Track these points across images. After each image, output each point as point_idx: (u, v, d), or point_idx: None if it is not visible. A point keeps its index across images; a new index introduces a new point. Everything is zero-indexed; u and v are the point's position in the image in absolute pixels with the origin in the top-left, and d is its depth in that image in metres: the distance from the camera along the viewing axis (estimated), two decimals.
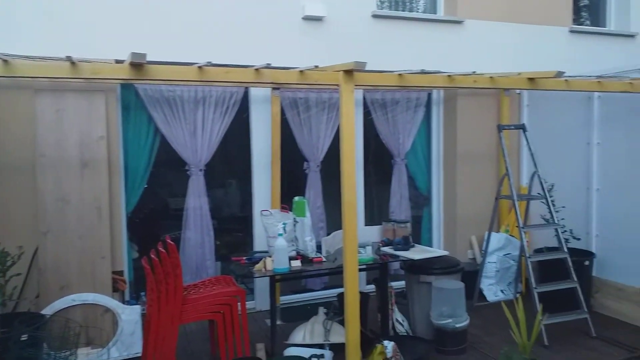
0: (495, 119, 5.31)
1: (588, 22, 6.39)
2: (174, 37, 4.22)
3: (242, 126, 4.77)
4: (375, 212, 5.85)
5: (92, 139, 3.97)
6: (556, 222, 4.33)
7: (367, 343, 3.53)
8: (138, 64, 2.64)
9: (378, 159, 5.77)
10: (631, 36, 5.89)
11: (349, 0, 4.79)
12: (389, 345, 3.16)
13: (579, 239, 4.73)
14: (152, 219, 5.15)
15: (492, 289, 5.05)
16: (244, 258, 3.89)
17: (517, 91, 5.34)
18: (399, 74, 3.28)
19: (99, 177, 3.99)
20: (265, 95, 4.67)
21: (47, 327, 3.38)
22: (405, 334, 4.14)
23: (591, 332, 4.08)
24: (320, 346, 3.74)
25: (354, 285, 3.02)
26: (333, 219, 4.79)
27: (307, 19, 4.64)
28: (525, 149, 4.82)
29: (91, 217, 3.96)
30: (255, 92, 4.68)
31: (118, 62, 3.98)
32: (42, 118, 3.86)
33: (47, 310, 3.72)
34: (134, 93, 4.37)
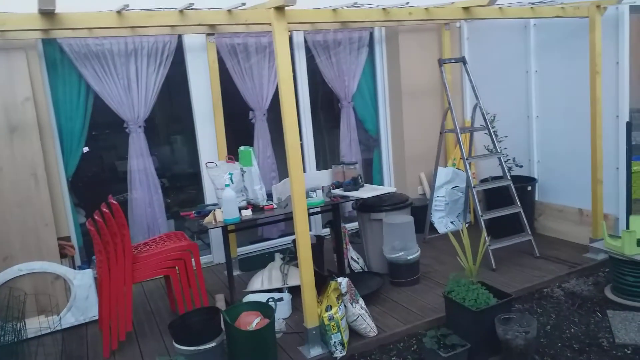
0: (438, 54, 5.31)
1: None
2: None
3: (180, 78, 4.59)
4: (328, 156, 5.86)
5: (17, 101, 3.72)
6: (499, 151, 4.44)
7: (324, 282, 3.60)
8: (49, 12, 2.44)
9: (326, 104, 5.73)
10: None
11: None
12: (343, 281, 3.22)
13: (521, 166, 4.90)
14: (97, 182, 4.99)
15: (443, 222, 5.21)
16: (193, 212, 3.83)
17: (457, 24, 5.33)
18: (333, 9, 3.18)
19: (30, 141, 3.78)
20: (201, 42, 4.48)
21: None
22: (361, 270, 4.25)
23: (535, 253, 4.30)
24: (279, 290, 3.80)
25: (304, 227, 3.03)
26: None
27: None
28: (468, 83, 4.87)
29: (28, 184, 3.77)
30: (189, 40, 4.47)
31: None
32: None
33: None
34: (59, 49, 4.09)
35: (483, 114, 4.39)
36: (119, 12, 2.64)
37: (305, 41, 5.00)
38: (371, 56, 5.43)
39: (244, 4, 2.94)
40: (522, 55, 4.77)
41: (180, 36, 4.42)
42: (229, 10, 2.93)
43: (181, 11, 2.81)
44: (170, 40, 4.39)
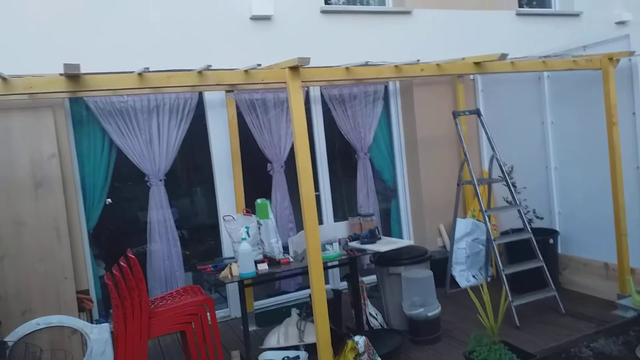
0: (452, 106, 5.36)
1: (535, 3, 6.52)
2: (115, 46, 4.13)
3: (201, 132, 4.71)
4: (345, 207, 5.86)
5: (44, 158, 3.87)
6: (518, 203, 4.38)
7: (341, 340, 3.51)
8: (74, 75, 2.57)
9: (343, 155, 5.77)
10: (576, 15, 6.03)
11: None
12: (360, 340, 3.15)
13: (542, 218, 4.80)
14: (117, 234, 5.05)
15: (464, 275, 5.09)
16: (210, 266, 3.83)
17: (471, 77, 5.41)
18: (346, 68, 3.27)
19: (54, 196, 3.89)
20: (220, 99, 4.63)
21: (10, 354, 3.28)
22: (380, 327, 4.14)
23: (560, 309, 4.13)
24: (296, 348, 3.71)
25: (320, 282, 3.00)
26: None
27: (255, 18, 4.62)
28: (483, 134, 4.87)
29: (50, 238, 3.86)
30: (210, 97, 4.63)
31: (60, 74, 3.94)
32: None
33: (11, 337, 3.60)
34: (85, 106, 4.27)
35: (500, 166, 4.37)
36: (140, 74, 2.76)
37: (322, 95, 5.12)
38: (386, 108, 5.51)
39: (259, 65, 3.04)
40: (537, 106, 4.78)
41: (200, 93, 4.58)
42: (246, 71, 3.04)
43: (200, 72, 2.93)
44: (192, 97, 4.54)
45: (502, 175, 4.42)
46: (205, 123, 4.69)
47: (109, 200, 4.52)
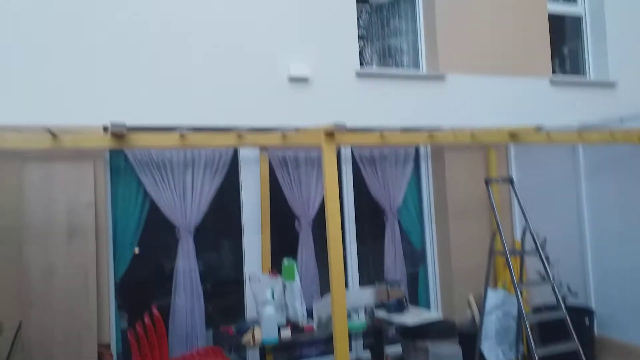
0: (484, 172, 5.32)
1: (567, 70, 6.56)
2: (159, 100, 4.28)
3: (232, 187, 4.77)
4: (372, 269, 5.75)
5: (80, 206, 3.95)
6: (552, 278, 4.23)
7: None
8: (119, 134, 2.67)
9: (370, 216, 5.74)
10: (611, 84, 6.01)
11: (333, 61, 4.91)
12: None
13: (576, 295, 4.61)
14: (143, 285, 5.04)
15: (494, 351, 4.86)
16: (233, 328, 3.77)
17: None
18: (381, 134, 3.31)
19: (86, 244, 3.94)
20: (254, 155, 4.71)
21: None
22: None
23: None
24: None
25: (344, 354, 2.91)
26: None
27: (293, 79, 4.75)
28: (516, 202, 4.79)
29: (78, 287, 3.87)
30: (244, 153, 4.72)
31: (105, 128, 4.09)
32: (30, 187, 3.85)
33: None
34: (123, 158, 4.40)
35: (534, 238, 4.25)
36: (182, 134, 2.85)
37: (352, 154, 5.16)
38: (417, 170, 5.50)
39: (297, 129, 3.10)
40: (572, 177, 4.70)
41: (235, 149, 4.67)
42: (283, 134, 3.11)
43: (239, 134, 3.00)
44: (227, 152, 4.64)
45: (535, 248, 4.29)
46: (238, 178, 4.76)
47: (137, 249, 4.56)
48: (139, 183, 4.45)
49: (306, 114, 4.73)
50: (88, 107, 4.04)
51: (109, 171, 4.37)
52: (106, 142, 2.66)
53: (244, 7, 4.60)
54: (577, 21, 6.36)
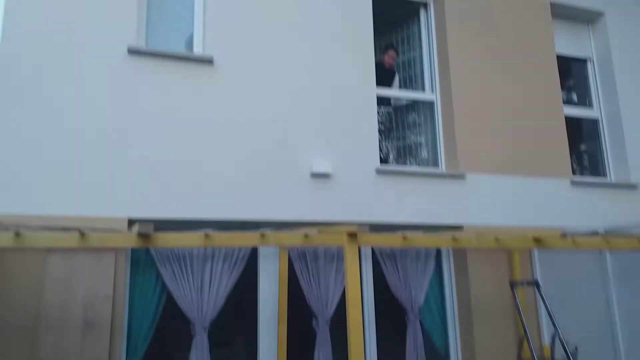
0: (508, 272, 5.19)
1: (587, 171, 6.58)
2: (184, 193, 4.38)
3: (249, 281, 4.72)
4: None
5: (98, 299, 3.93)
6: None
7: None
8: (146, 234, 2.71)
9: (391, 315, 5.55)
10: (633, 186, 5.99)
11: (354, 158, 5.03)
12: None
13: None
14: None
15: None
16: None
17: None
18: (403, 236, 3.30)
19: (101, 337, 3.87)
20: (274, 250, 4.70)
21: None
22: None
23: None
24: None
25: None
26: None
27: (315, 175, 4.84)
28: (542, 306, 4.62)
29: None
30: (263, 247, 4.71)
31: (130, 221, 4.17)
32: (50, 278, 3.87)
33: None
34: (145, 250, 4.43)
35: (564, 346, 4.06)
36: (206, 234, 2.88)
37: (372, 249, 5.11)
38: (439, 268, 5.39)
39: (319, 229, 3.12)
40: (600, 281, 4.57)
41: None
42: (306, 234, 3.12)
43: (262, 234, 3.03)
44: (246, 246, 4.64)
45: (566, 356, 4.08)
46: (256, 272, 4.72)
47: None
48: (158, 275, 4.43)
49: (327, 209, 4.78)
50: (114, 199, 4.15)
51: (130, 264, 4.39)
52: (132, 242, 2.70)
53: (269, 104, 4.83)
54: (594, 123, 6.50)
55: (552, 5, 6.22)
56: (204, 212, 4.37)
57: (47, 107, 4.17)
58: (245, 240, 2.99)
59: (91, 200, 4.10)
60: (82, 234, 2.65)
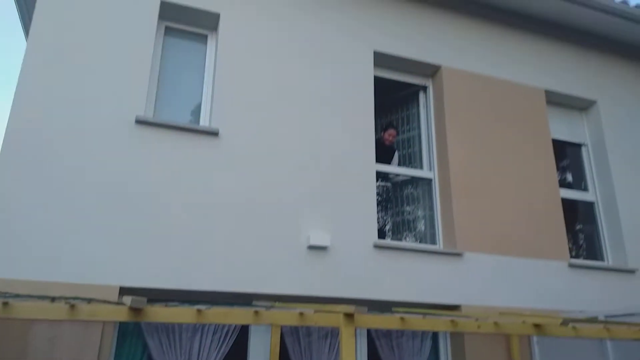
0: (507, 356, 5.03)
1: (584, 253, 6.55)
2: (179, 264, 4.31)
3: (239, 356, 4.54)
4: None
5: None
6: None
7: None
8: (138, 308, 2.64)
9: None
10: (631, 272, 5.95)
11: (352, 232, 5.01)
12: None
13: None
14: None
15: None
16: None
17: None
18: (401, 318, 3.23)
19: None
20: (266, 325, 4.56)
21: None
22: None
23: None
24: None
25: None
26: None
27: (312, 248, 4.80)
28: None
29: None
30: None
31: (122, 289, 4.07)
32: (33, 347, 3.72)
33: None
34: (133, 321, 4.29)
35: None
36: (199, 309, 2.81)
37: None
38: (435, 349, 5.23)
39: (316, 312, 3.05)
40: None
41: None
42: (301, 313, 3.05)
43: (256, 311, 2.95)
44: None
45: None
46: (246, 347, 4.56)
47: None
48: (145, 347, 4.28)
49: (323, 283, 4.71)
50: (107, 266, 4.08)
51: (117, 334, 4.25)
52: (123, 315, 2.63)
53: (270, 176, 4.87)
54: (591, 205, 6.55)
55: (547, 92, 6.46)
56: (197, 284, 4.29)
57: (52, 173, 4.20)
58: (239, 317, 2.91)
59: (83, 267, 4.03)
60: (72, 306, 2.58)
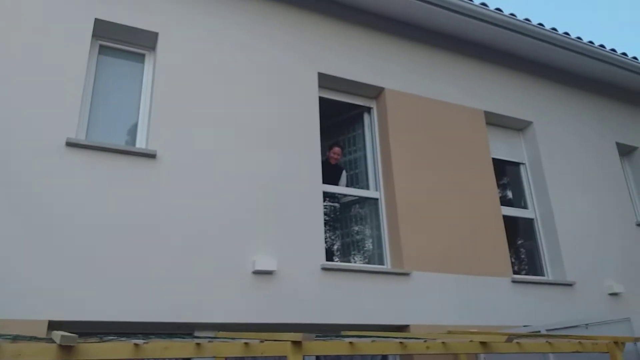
0: None
1: (526, 269, 6.77)
2: (113, 293, 4.05)
3: None
4: None
5: None
6: None
7: None
8: (69, 345, 2.43)
9: None
10: (569, 284, 6.20)
11: (299, 255, 4.92)
12: None
13: None
14: None
15: None
16: None
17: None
18: (350, 342, 3.16)
19: None
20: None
21: None
22: None
23: None
24: None
25: None
26: None
27: (258, 273, 4.66)
28: None
29: None
30: None
31: (51, 323, 3.78)
32: None
33: None
34: None
35: None
36: (136, 344, 2.63)
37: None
38: None
39: (262, 341, 2.94)
40: None
41: None
42: (246, 343, 2.92)
43: (198, 344, 2.80)
44: None
45: None
46: None
47: None
48: None
49: (270, 309, 4.58)
50: (34, 298, 3.78)
51: None
52: (51, 355, 2.41)
53: (212, 199, 4.71)
54: (530, 222, 6.80)
55: (486, 113, 6.71)
56: (134, 314, 4.05)
57: None
58: (179, 351, 2.74)
59: (7, 299, 3.71)
60: None
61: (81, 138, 4.49)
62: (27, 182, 4.06)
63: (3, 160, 4.05)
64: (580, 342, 3.93)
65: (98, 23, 4.84)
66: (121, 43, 5.12)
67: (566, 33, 6.97)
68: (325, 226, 5.46)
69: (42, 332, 3.68)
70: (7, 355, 2.39)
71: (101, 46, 5.02)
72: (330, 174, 5.91)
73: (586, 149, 7.34)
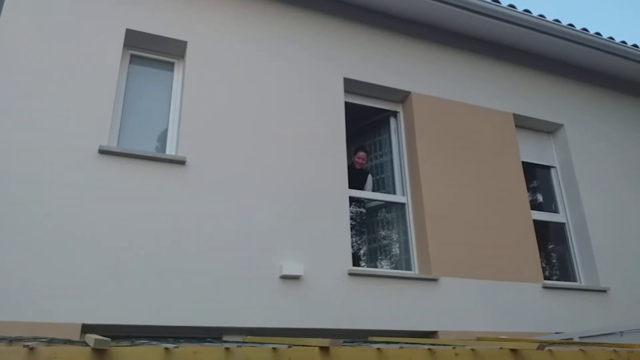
0: None
1: (558, 275, 6.62)
2: (145, 298, 4.14)
3: None
4: None
5: None
6: None
7: None
8: (102, 349, 2.50)
9: None
10: (603, 291, 6.03)
11: (326, 260, 4.93)
12: None
13: None
14: None
15: None
16: None
17: None
18: (378, 349, 3.15)
19: None
20: None
21: None
22: None
23: None
24: None
25: None
26: None
27: (285, 277, 4.69)
28: None
29: None
30: None
31: (85, 326, 3.88)
32: None
33: None
34: None
35: None
36: (166, 348, 2.67)
37: None
38: None
39: (290, 346, 2.95)
40: None
41: None
42: (274, 348, 2.94)
43: (227, 348, 2.83)
44: None
45: None
46: None
47: None
48: None
49: (297, 314, 4.60)
50: (69, 303, 3.89)
51: None
52: (86, 358, 2.47)
53: (240, 206, 4.76)
54: (562, 226, 6.64)
55: (515, 116, 6.60)
56: (165, 319, 4.13)
57: (8, 207, 4.01)
58: (209, 355, 2.78)
59: (43, 304, 3.83)
60: (31, 349, 2.42)
61: (113, 145, 4.61)
62: (61, 188, 4.18)
63: (39, 167, 4.18)
64: (615, 350, 3.81)
65: (129, 33, 4.97)
66: (151, 52, 5.24)
67: (597, 33, 6.81)
68: (351, 231, 5.46)
69: (75, 335, 3.77)
70: (43, 358, 2.46)
71: (132, 55, 5.15)
72: (355, 178, 5.91)
73: (618, 151, 7.14)
